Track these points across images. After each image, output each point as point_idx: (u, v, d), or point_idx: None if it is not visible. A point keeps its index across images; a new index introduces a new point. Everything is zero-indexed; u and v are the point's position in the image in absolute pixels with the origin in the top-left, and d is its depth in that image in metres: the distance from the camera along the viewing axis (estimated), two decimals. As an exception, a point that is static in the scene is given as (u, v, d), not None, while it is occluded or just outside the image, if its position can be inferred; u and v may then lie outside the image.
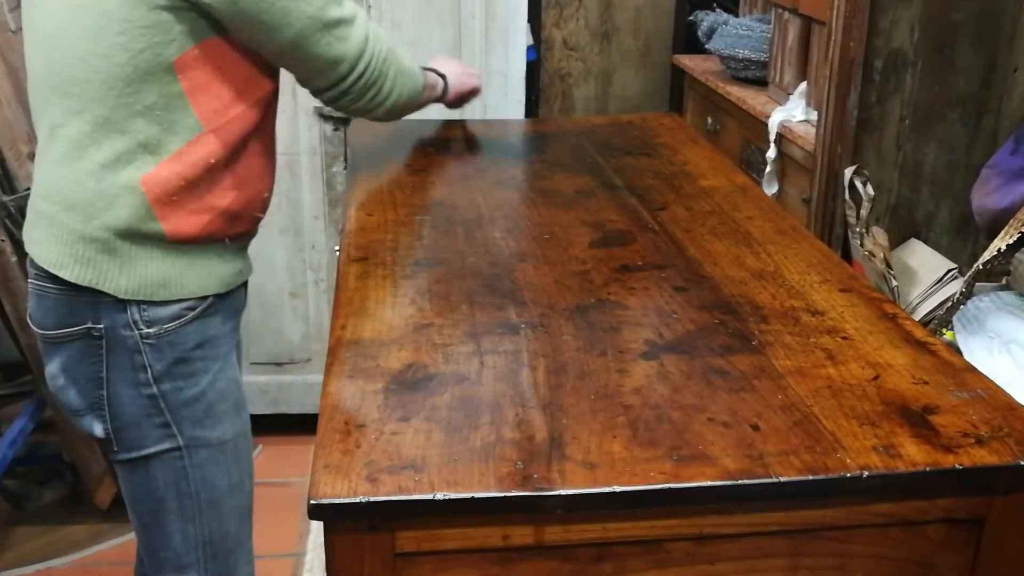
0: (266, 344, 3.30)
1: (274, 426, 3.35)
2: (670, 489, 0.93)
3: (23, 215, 2.66)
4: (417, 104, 1.77)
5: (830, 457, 0.97)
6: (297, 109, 3.05)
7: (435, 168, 1.90)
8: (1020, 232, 1.55)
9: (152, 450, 1.53)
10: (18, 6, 2.70)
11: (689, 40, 3.81)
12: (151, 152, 1.42)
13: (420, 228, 1.58)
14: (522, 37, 3.19)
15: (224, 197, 1.48)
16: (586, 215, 1.63)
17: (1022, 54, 2.10)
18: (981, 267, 1.61)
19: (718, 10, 3.39)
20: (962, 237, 2.13)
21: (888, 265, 1.89)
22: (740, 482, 0.93)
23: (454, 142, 2.08)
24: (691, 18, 3.46)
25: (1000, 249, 1.57)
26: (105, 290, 1.44)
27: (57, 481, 3.25)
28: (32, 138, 2.63)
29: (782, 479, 0.94)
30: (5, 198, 2.65)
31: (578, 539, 0.95)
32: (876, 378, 1.12)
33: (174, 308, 1.47)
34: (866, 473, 0.95)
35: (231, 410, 1.57)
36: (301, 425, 3.42)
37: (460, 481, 0.92)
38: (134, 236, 1.44)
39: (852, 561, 1.01)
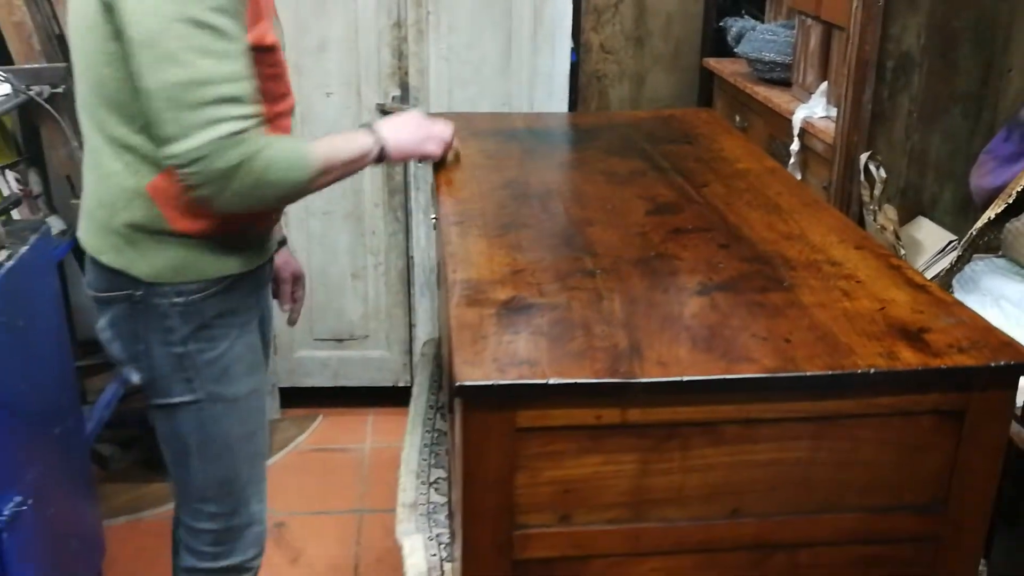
0: (328, 322, 3.55)
1: (334, 398, 3.62)
2: (725, 379, 1.23)
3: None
4: (305, 191, 1.65)
5: (846, 359, 1.27)
6: (360, 106, 3.32)
7: (504, 153, 2.19)
8: (1006, 203, 1.84)
9: (177, 400, 1.73)
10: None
11: (716, 44, 4.08)
12: (152, 164, 1.58)
13: (502, 200, 1.88)
14: (567, 41, 3.45)
15: None
16: (640, 191, 1.93)
17: (1016, 56, 2.37)
18: (975, 233, 1.90)
19: (746, 16, 3.67)
20: (963, 216, 2.40)
21: (897, 237, 2.18)
22: (777, 375, 1.23)
23: (518, 132, 2.38)
24: (721, 24, 3.74)
25: (990, 217, 1.86)
26: (131, 274, 1.65)
27: (137, 445, 3.54)
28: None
29: (808, 373, 1.24)
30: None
31: (654, 420, 1.25)
32: (882, 309, 1.42)
33: (196, 284, 1.66)
34: (873, 370, 1.24)
35: (246, 371, 1.77)
36: (359, 397, 3.69)
37: (565, 372, 1.23)
38: (149, 231, 1.62)
39: (861, 444, 1.31)
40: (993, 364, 1.27)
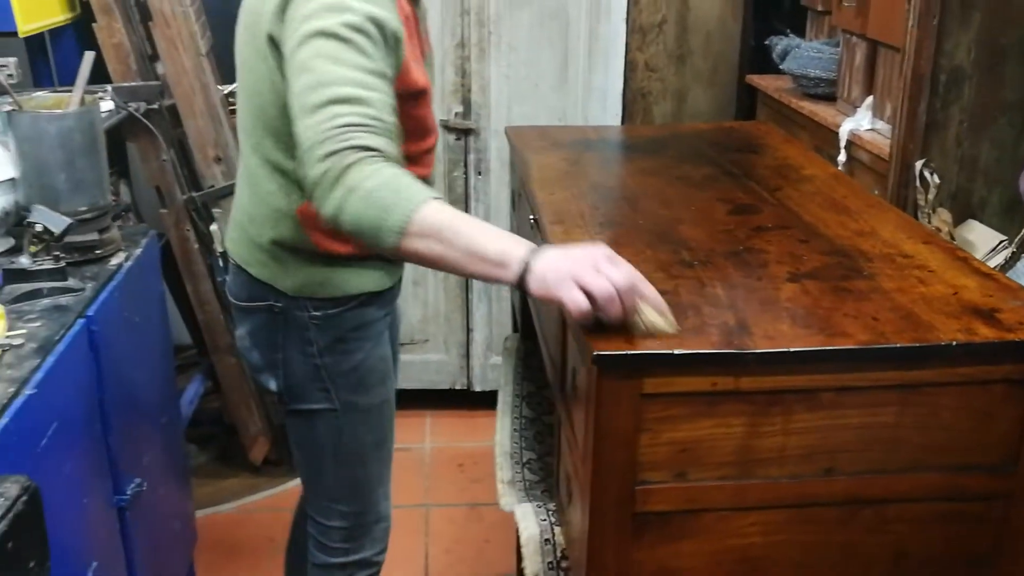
0: (391, 326, 3.73)
1: (395, 400, 3.78)
2: (826, 350, 1.41)
3: (208, 209, 3.18)
4: (387, 237, 1.39)
5: (929, 333, 1.44)
6: (425, 121, 3.51)
7: (585, 160, 2.38)
8: (1057, 204, 2.03)
9: (314, 407, 1.84)
10: (207, 33, 3.21)
11: (753, 62, 4.26)
12: (304, 189, 1.56)
13: (593, 201, 2.06)
14: (620, 59, 3.65)
15: None
16: (718, 194, 2.10)
17: (1060, 70, 2.56)
18: (1027, 232, 2.08)
19: (791, 35, 3.85)
20: (1010, 218, 2.57)
21: (951, 237, 2.35)
22: (871, 346, 1.41)
23: (593, 142, 2.56)
24: (767, 42, 3.92)
25: (1042, 217, 2.04)
26: (276, 287, 1.78)
27: (213, 443, 3.73)
28: (218, 144, 3.14)
29: (899, 345, 1.41)
30: (194, 194, 3.15)
31: (762, 387, 1.42)
32: (956, 293, 1.59)
33: (335, 299, 1.77)
34: (955, 343, 1.42)
35: (378, 382, 1.87)
36: (419, 399, 3.86)
37: (686, 344, 1.40)
38: (295, 250, 1.74)
39: (942, 410, 1.48)
40: (1060, 339, 1.45)
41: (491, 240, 1.38)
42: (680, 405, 1.43)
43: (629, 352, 1.38)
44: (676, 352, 1.38)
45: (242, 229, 1.83)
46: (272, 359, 1.85)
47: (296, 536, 2.27)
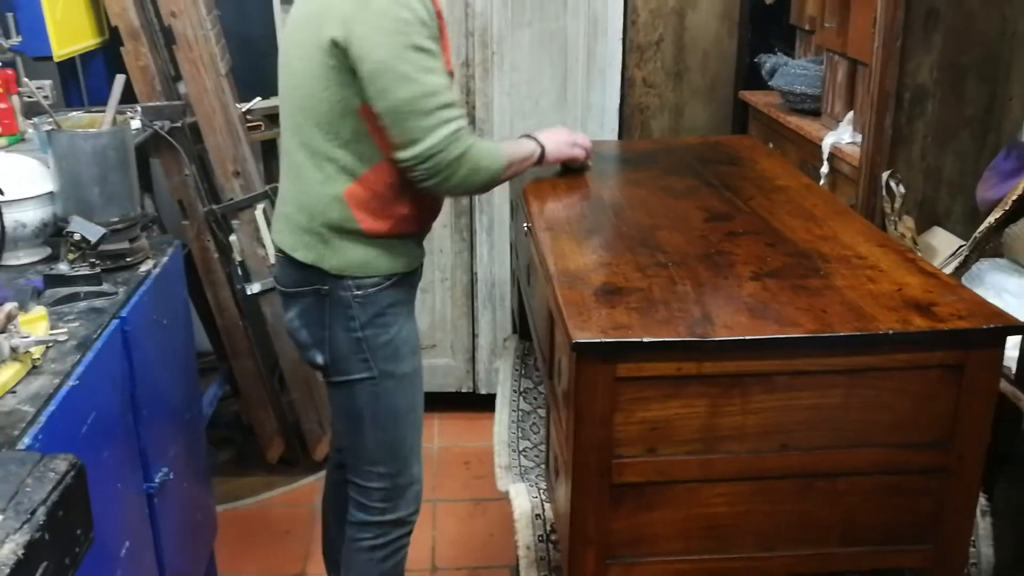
0: (400, 332, 3.90)
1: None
2: (778, 338, 1.60)
3: (227, 220, 3.36)
4: (496, 181, 2.08)
5: (870, 324, 1.63)
6: (432, 137, 3.69)
7: (577, 173, 2.56)
8: (1003, 211, 2.20)
9: (355, 377, 2.08)
10: (226, 54, 3.41)
11: (748, 78, 4.44)
12: (349, 174, 1.95)
13: (582, 210, 2.25)
14: (617, 77, 3.82)
15: (404, 207, 2.01)
16: (697, 203, 2.29)
17: (1016, 86, 2.72)
18: (979, 236, 2.26)
19: (779, 53, 4.03)
20: (972, 225, 2.73)
21: (915, 243, 2.54)
22: (818, 335, 1.60)
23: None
24: (756, 60, 4.11)
25: (991, 223, 2.22)
26: (322, 267, 2.04)
27: (231, 444, 3.91)
28: (237, 159, 3.33)
29: (842, 334, 1.60)
30: (214, 207, 3.35)
31: (722, 371, 1.61)
32: (899, 290, 1.78)
33: (374, 279, 2.02)
34: (892, 331, 1.60)
35: (411, 352, 2.12)
36: (427, 402, 3.97)
37: (655, 333, 1.60)
38: (341, 232, 1.99)
39: (884, 393, 1.66)
40: (986, 327, 1.63)
41: (521, 147, 2.19)
42: (650, 388, 1.62)
43: (604, 340, 1.57)
44: (646, 340, 1.57)
45: (287, 219, 2.08)
46: (319, 336, 2.10)
47: (330, 491, 2.54)
